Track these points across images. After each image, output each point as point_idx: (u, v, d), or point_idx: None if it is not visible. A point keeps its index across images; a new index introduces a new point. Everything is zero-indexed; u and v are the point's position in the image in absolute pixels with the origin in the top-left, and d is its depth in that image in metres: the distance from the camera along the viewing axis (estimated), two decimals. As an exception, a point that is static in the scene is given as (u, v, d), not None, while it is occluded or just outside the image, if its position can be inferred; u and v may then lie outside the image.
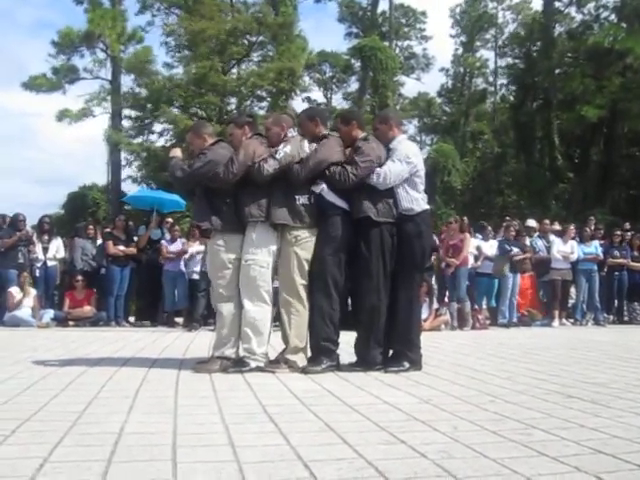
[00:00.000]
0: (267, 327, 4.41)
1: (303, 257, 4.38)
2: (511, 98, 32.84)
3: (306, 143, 4.51)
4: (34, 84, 26.41)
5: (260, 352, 4.35)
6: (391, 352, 4.56)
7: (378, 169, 4.44)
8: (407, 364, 4.44)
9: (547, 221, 12.09)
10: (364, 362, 4.43)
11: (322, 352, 4.39)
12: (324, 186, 4.40)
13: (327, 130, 4.70)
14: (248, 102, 27.10)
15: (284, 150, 4.38)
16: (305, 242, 4.39)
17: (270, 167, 4.32)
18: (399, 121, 4.95)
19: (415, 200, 4.55)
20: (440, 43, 54.16)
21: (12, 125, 55.13)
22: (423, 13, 37.36)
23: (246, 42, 27.00)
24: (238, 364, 4.36)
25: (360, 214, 4.40)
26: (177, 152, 4.77)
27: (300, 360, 4.39)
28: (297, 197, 4.39)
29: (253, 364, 4.32)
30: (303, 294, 4.40)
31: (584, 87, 24.58)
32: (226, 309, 4.42)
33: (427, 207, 4.65)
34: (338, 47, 39.80)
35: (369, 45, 30.25)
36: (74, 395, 3.42)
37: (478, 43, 37.80)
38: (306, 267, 4.41)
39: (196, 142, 4.64)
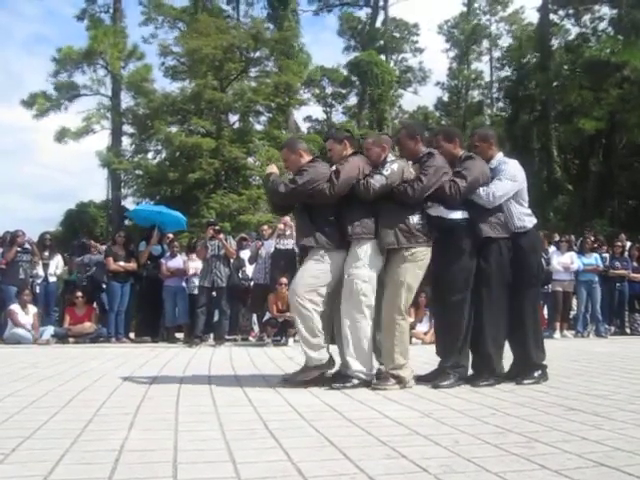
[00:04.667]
0: (368, 342, 4.31)
1: (417, 271, 4.33)
2: (506, 111, 33.09)
3: (407, 164, 4.46)
4: (34, 102, 26.52)
5: (362, 368, 4.27)
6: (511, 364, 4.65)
7: (486, 188, 4.47)
8: (537, 374, 4.51)
9: (545, 232, 12.08)
10: (488, 375, 4.44)
11: (452, 367, 4.39)
12: (441, 207, 4.41)
13: (425, 148, 4.62)
14: (246, 118, 27.15)
15: (391, 167, 4.33)
16: (421, 259, 4.33)
17: (377, 182, 4.25)
18: (498, 139, 4.97)
19: (526, 216, 4.62)
20: (435, 57, 54.79)
21: (10, 140, 55.30)
22: (415, 25, 37.79)
23: (244, 58, 27.14)
24: (341, 380, 4.29)
25: (480, 236, 4.41)
26: (274, 168, 4.69)
27: (408, 375, 4.33)
28: (409, 217, 4.32)
29: (356, 380, 4.25)
30: (404, 310, 4.35)
31: (582, 99, 24.72)
32: (322, 325, 4.31)
33: (535, 222, 4.70)
34: (336, 60, 40.01)
35: (365, 60, 30.54)
36: (75, 412, 3.41)
37: (472, 56, 38.15)
38: (416, 284, 4.38)
39: (291, 158, 4.57)
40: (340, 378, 4.32)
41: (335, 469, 2.25)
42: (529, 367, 4.56)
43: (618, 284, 11.40)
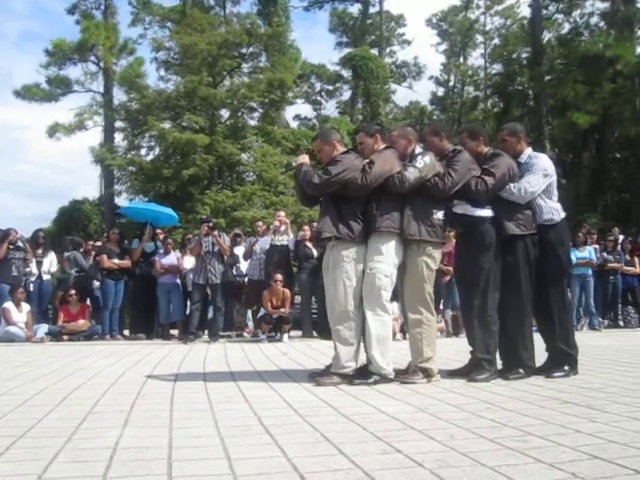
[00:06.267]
0: (389, 337, 4.35)
1: (432, 267, 4.39)
2: (498, 106, 33.19)
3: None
4: (27, 93, 26.42)
5: (384, 363, 4.27)
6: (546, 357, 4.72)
7: (517, 184, 4.50)
8: (567, 367, 4.56)
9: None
10: (519, 367, 4.49)
11: (485, 359, 4.43)
12: (468, 206, 4.45)
13: (451, 144, 4.66)
14: (239, 114, 27.09)
15: (424, 160, 4.33)
16: (435, 252, 4.40)
17: (411, 175, 4.25)
18: (526, 134, 4.98)
19: (554, 210, 4.64)
20: (429, 52, 54.92)
21: (1, 138, 54.93)
22: (401, 17, 37.75)
23: (237, 54, 27.07)
24: (363, 376, 4.28)
25: (505, 233, 4.45)
26: (305, 158, 4.64)
27: (435, 367, 4.39)
28: (434, 211, 4.37)
29: (377, 377, 4.24)
30: (431, 303, 4.40)
31: (575, 93, 24.75)
32: (345, 324, 4.30)
33: (564, 215, 4.72)
34: (328, 56, 40.03)
35: (360, 55, 30.49)
36: (69, 410, 3.40)
37: (467, 51, 38.23)
38: (433, 277, 4.44)
39: (325, 149, 4.52)
40: (362, 374, 4.31)
41: (330, 465, 2.25)
42: (559, 360, 4.61)
43: (611, 277, 11.47)
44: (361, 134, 4.69)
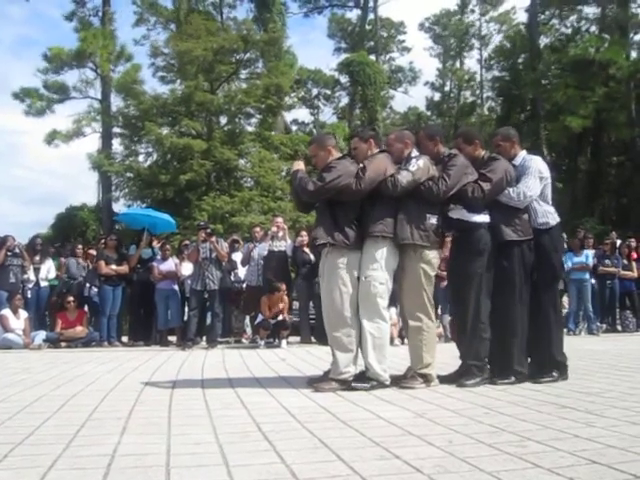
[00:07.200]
0: (386, 344, 4.34)
1: (430, 273, 4.38)
2: (498, 110, 33.30)
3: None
4: (25, 96, 26.46)
5: (381, 370, 4.26)
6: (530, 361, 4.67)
7: (516, 189, 4.50)
8: (556, 373, 4.54)
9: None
10: (510, 373, 4.46)
11: (475, 366, 4.42)
12: (464, 211, 4.44)
13: (446, 148, 4.65)
14: (237, 120, 27.13)
15: (417, 163, 4.33)
16: (433, 259, 4.39)
17: (404, 179, 4.24)
18: (520, 138, 4.97)
19: (549, 214, 4.64)
20: (423, 56, 55.25)
21: (-2, 143, 54.81)
22: (401, 24, 38.00)
23: (234, 60, 27.13)
24: (360, 381, 4.27)
25: (502, 239, 4.45)
26: (300, 164, 4.61)
27: (434, 372, 4.39)
28: (428, 216, 4.35)
29: (375, 382, 4.24)
30: (431, 310, 4.41)
31: (568, 98, 24.85)
32: (343, 330, 4.29)
33: (558, 220, 4.71)
34: (326, 61, 40.46)
35: (357, 60, 30.61)
36: (67, 417, 3.39)
37: (464, 54, 38.47)
38: (432, 283, 4.44)
39: (320, 154, 4.51)
40: (360, 379, 4.30)
41: (329, 471, 2.25)
42: (549, 366, 4.59)
43: (609, 282, 11.47)
44: (355, 139, 4.68)
